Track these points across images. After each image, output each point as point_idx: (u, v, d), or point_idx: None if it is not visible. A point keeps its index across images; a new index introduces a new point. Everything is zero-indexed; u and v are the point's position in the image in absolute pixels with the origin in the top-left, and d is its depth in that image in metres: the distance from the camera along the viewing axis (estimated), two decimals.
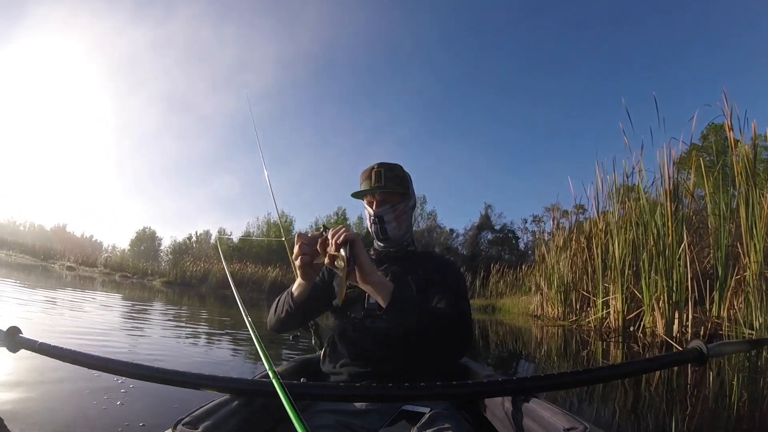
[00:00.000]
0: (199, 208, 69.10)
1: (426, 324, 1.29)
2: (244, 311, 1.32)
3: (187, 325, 6.19)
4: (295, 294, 1.43)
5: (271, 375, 0.89)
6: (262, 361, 0.95)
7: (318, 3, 63.07)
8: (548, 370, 4.28)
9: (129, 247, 46.71)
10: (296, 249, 1.25)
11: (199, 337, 5.07)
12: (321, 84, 64.40)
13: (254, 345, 1.03)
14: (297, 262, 1.27)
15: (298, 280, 1.38)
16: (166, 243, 44.67)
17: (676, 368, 3.85)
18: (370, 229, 1.63)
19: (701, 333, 6.08)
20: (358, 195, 1.62)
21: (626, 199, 8.67)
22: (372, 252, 1.66)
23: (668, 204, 7.05)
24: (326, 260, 1.17)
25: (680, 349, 5.01)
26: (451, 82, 61.01)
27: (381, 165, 1.61)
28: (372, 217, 1.57)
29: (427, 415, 1.16)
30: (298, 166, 59.56)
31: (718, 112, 6.79)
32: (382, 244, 1.63)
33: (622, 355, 5.34)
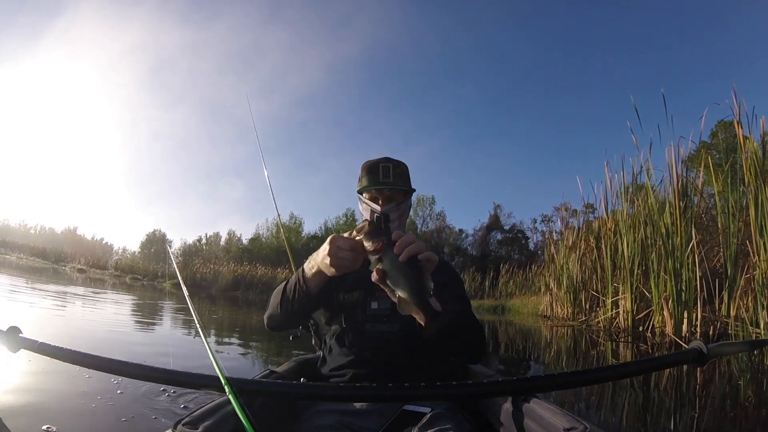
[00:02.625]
0: (220, 211, 69.48)
1: (462, 334, 1.29)
2: (197, 317, 1.29)
3: (193, 325, 6.22)
4: (313, 286, 1.29)
5: (217, 371, 0.89)
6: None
7: (364, 12, 63.10)
8: (556, 370, 4.26)
9: (139, 250, 47.08)
10: (345, 247, 1.09)
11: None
12: (355, 90, 64.52)
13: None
14: (341, 262, 1.11)
15: (327, 270, 1.17)
16: (176, 245, 44.93)
17: (685, 369, 3.82)
18: None
19: (710, 333, 6.02)
20: (366, 189, 1.55)
21: (635, 198, 8.61)
22: None
23: (677, 202, 6.99)
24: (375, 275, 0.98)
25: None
26: (463, 86, 60.88)
27: (388, 160, 1.57)
28: (376, 215, 1.49)
29: (428, 416, 1.16)
30: (328, 168, 59.73)
31: (728, 109, 6.74)
32: None
33: (631, 356, 5.31)
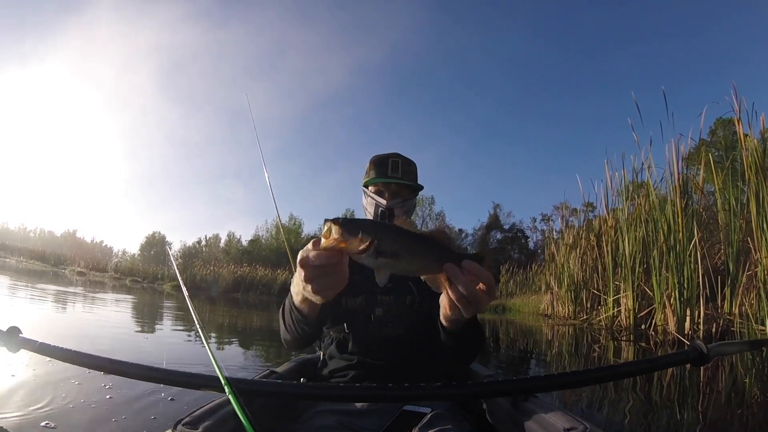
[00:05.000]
0: (220, 214, 69.95)
1: (472, 345, 1.24)
2: (196, 317, 1.26)
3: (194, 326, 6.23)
4: (308, 312, 1.14)
5: (217, 371, 0.89)
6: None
7: (380, 21, 64.00)
8: (557, 370, 4.25)
9: (139, 252, 47.16)
10: (316, 261, 0.82)
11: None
12: (364, 97, 65.35)
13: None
14: (328, 283, 0.86)
15: (315, 299, 0.93)
16: (176, 247, 44.95)
17: (687, 368, 3.82)
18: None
19: (713, 330, 6.01)
20: (372, 182, 1.51)
21: (635, 196, 8.60)
22: None
23: (678, 200, 6.97)
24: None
25: None
26: (466, 88, 61.26)
27: (398, 156, 1.54)
28: (381, 209, 1.48)
29: (429, 416, 1.15)
30: (332, 173, 60.24)
31: (727, 106, 6.74)
32: None
33: (634, 354, 5.31)
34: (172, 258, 2.24)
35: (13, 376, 2.34)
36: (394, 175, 1.49)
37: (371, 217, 1.52)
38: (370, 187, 1.53)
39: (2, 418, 1.74)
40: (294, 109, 67.36)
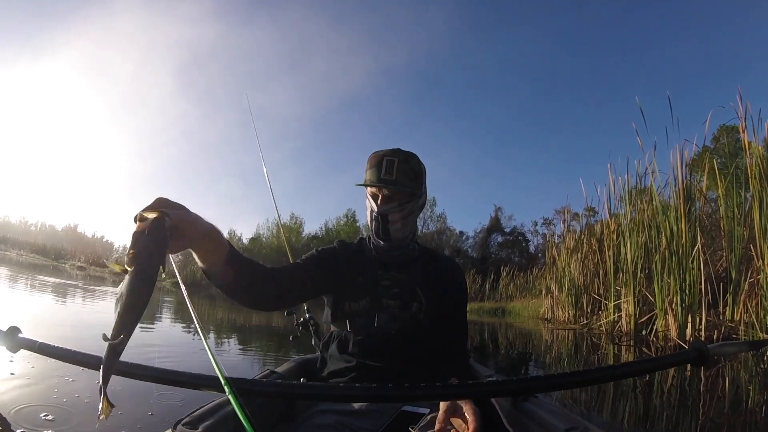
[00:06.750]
0: (233, 213, 70.18)
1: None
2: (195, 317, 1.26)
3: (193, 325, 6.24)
4: (205, 266, 1.14)
5: (216, 370, 0.89)
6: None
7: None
8: (557, 372, 4.24)
9: None
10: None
11: (202, 336, 5.11)
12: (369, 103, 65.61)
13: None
14: None
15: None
16: None
17: (688, 371, 3.81)
18: (369, 225, 1.43)
19: (714, 336, 6.00)
20: (368, 184, 1.39)
21: (638, 201, 8.58)
22: (372, 250, 1.49)
23: (681, 205, 6.96)
24: None
25: None
26: (468, 89, 61.42)
27: (395, 153, 1.38)
28: (374, 214, 1.37)
29: (428, 417, 1.15)
30: (349, 172, 60.68)
31: (732, 112, 6.72)
32: (382, 243, 1.43)
33: (634, 359, 5.29)
34: (171, 256, 2.22)
35: (12, 374, 2.35)
36: (387, 177, 1.34)
37: (368, 219, 1.44)
38: (368, 189, 1.42)
39: (2, 412, 1.74)
40: (307, 111, 67.60)
